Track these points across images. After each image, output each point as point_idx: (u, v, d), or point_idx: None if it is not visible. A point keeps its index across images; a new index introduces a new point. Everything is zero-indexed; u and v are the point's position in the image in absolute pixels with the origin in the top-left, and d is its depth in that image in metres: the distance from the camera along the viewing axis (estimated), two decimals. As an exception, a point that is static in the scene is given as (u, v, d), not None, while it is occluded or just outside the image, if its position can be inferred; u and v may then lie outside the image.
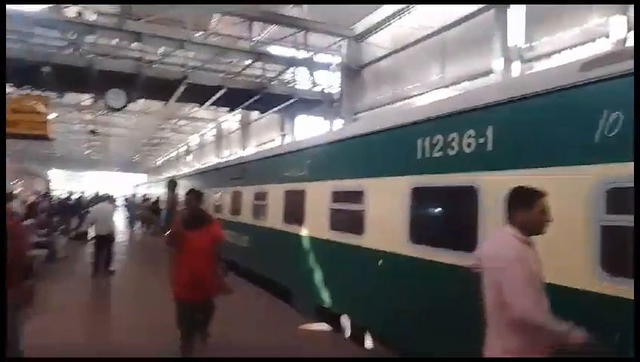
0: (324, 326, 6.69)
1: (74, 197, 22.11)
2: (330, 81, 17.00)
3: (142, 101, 23.62)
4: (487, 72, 10.24)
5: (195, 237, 4.62)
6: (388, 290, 5.48)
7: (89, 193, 24.09)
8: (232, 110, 18.79)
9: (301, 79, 17.32)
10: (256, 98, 15.93)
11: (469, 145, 4.40)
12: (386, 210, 5.57)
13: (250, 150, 23.83)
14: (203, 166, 23.24)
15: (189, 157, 40.67)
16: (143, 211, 23.41)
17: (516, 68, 9.60)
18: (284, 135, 20.20)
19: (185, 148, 42.27)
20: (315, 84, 16.65)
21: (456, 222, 4.75)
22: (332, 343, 6.17)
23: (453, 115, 4.66)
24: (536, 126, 3.81)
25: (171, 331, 4.64)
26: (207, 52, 15.38)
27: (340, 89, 16.46)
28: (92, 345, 5.83)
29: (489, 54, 10.16)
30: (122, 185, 56.83)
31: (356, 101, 15.99)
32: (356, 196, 6.11)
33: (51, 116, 12.03)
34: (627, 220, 2.98)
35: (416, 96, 12.90)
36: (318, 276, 7.08)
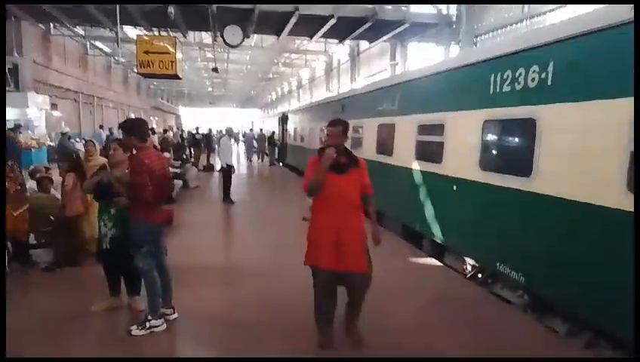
0: (432, 260, 6.73)
1: (202, 132, 24.14)
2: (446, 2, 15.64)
3: (256, 36, 24.37)
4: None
5: (343, 184, 3.72)
6: (461, 212, 6.23)
7: (213, 128, 26.16)
8: (341, 41, 18.44)
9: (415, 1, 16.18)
10: (367, 26, 15.38)
11: (533, 79, 4.80)
12: (462, 141, 6.20)
13: (360, 82, 23.47)
14: (311, 101, 24.21)
15: (301, 91, 41.54)
16: (259, 144, 25.17)
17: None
18: (395, 64, 19.40)
19: (296, 82, 43.13)
20: (432, 6, 15.46)
21: (518, 151, 5.25)
22: (441, 276, 6.19)
23: (519, 52, 5.04)
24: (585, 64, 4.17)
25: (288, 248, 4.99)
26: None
27: (457, 8, 15.08)
28: (217, 256, 6.61)
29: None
30: (241, 120, 60.53)
31: (476, 22, 14.56)
32: (438, 129, 6.76)
33: (179, 55, 12.93)
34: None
35: (548, 12, 11.32)
36: (404, 200, 8.03)
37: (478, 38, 14.41)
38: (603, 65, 3.96)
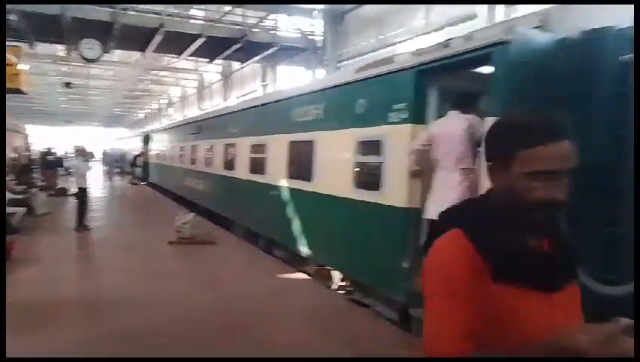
0: (302, 275, 6.94)
1: (56, 152, 21.73)
2: (313, 28, 16.52)
3: (119, 52, 22.84)
4: (472, 17, 10.04)
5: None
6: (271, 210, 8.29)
7: (65, 149, 24.00)
8: (212, 60, 18.27)
9: (283, 26, 16.79)
10: (236, 47, 15.47)
11: (309, 114, 6.99)
12: (278, 157, 8.10)
13: (232, 101, 23.42)
14: (177, 121, 24.71)
15: (171, 110, 39.85)
16: (121, 164, 24.07)
17: (500, 12, 9.43)
18: (265, 85, 19.80)
19: (167, 100, 41.30)
20: (298, 32, 16.18)
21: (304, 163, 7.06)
22: (310, 290, 6.39)
23: (306, 94, 7.29)
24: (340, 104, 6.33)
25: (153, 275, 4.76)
26: (184, -3, 14.73)
27: (322, 36, 16.03)
28: (69, 289, 5.97)
29: (473, -2, 9.92)
30: (103, 140, 55.72)
31: (340, 48, 15.62)
32: (261, 148, 8.85)
33: (23, 67, 11.53)
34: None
35: (400, 42, 12.65)
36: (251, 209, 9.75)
37: (342, 64, 15.46)
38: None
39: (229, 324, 4.80)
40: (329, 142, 6.36)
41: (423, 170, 4.63)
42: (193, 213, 10.21)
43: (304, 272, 7.20)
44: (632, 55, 3.31)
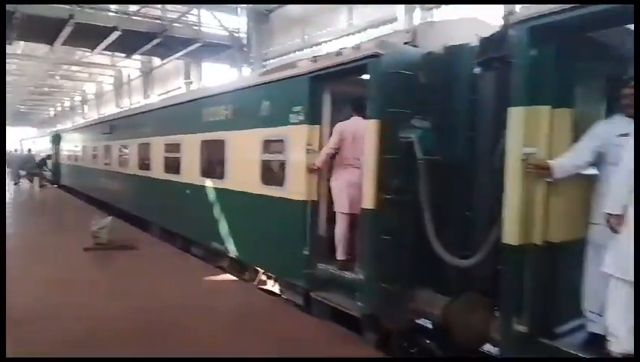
0: (226, 276, 6.81)
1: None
2: (239, 26, 16.25)
3: (24, 44, 20.92)
4: (392, 20, 10.42)
5: None
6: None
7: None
8: (129, 55, 17.33)
9: (207, 22, 16.33)
10: (156, 42, 14.81)
11: (219, 115, 7.06)
12: (192, 156, 8.01)
13: (154, 98, 22.39)
14: (90, 120, 23.91)
15: (86, 108, 37.29)
16: (29, 166, 21.84)
17: (417, 16, 9.87)
18: (190, 82, 19.16)
19: (80, 97, 38.56)
20: (223, 28, 15.82)
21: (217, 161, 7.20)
22: (239, 290, 6.29)
23: (216, 95, 7.38)
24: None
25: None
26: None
27: (247, 32, 15.82)
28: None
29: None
30: (11, 140, 50.71)
31: (265, 47, 15.51)
32: (176, 147, 8.71)
33: None
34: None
35: (324, 42, 12.82)
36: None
37: (268, 62, 15.36)
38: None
39: (149, 332, 4.56)
40: (239, 142, 6.57)
41: (320, 168, 5.06)
42: (110, 217, 9.60)
43: (220, 268, 7.10)
44: (480, 68, 3.95)
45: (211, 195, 7.31)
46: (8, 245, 8.73)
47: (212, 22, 16.18)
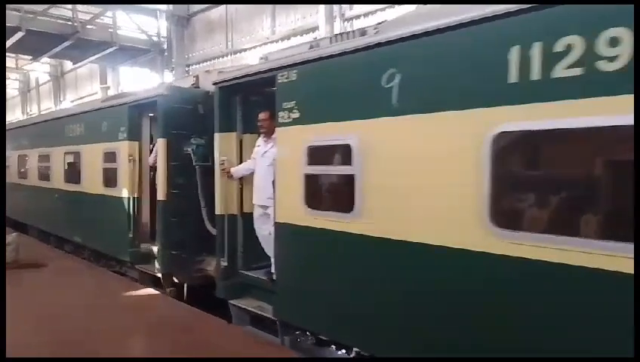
0: (149, 290, 6.55)
1: None
2: (159, 30, 15.67)
3: None
4: (314, 28, 10.65)
5: None
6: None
7: None
8: (35, 58, 16.06)
9: (124, 25, 15.58)
10: (67, 44, 13.87)
11: (76, 131, 8.69)
12: (57, 165, 9.50)
13: (66, 104, 20.91)
14: None
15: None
16: None
17: (337, 25, 10.17)
18: (107, 87, 18.12)
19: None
20: (141, 32, 15.18)
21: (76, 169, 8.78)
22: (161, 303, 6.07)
23: (74, 115, 9.01)
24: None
25: None
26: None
27: (167, 37, 15.31)
28: None
29: (316, 12, 10.55)
30: None
31: (187, 52, 15.11)
32: (47, 158, 9.99)
33: None
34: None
35: (247, 49, 12.77)
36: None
37: (191, 68, 14.97)
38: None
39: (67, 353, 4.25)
40: (88, 153, 8.24)
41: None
42: (15, 233, 8.81)
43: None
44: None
45: (72, 198, 8.90)
46: None
47: (129, 25, 15.48)
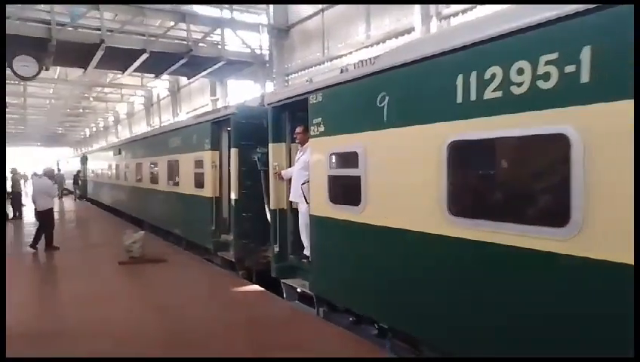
0: (256, 287, 6.96)
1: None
2: (260, 43, 16.65)
3: (59, 68, 22.02)
4: (410, 30, 10.53)
5: None
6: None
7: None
8: (157, 76, 17.98)
9: (230, 41, 16.82)
10: (182, 62, 15.34)
11: (176, 143, 10.79)
12: (162, 170, 11.85)
13: (182, 116, 23.08)
14: (105, 145, 28.54)
15: (120, 127, 38.66)
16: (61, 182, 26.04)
17: (434, 25, 9.93)
18: (216, 99, 19.68)
19: (113, 117, 40.02)
20: (245, 46, 16.26)
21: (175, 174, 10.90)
22: (268, 302, 6.43)
23: (173, 130, 11.28)
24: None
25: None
26: (125, 12, 14.48)
27: (269, 49, 16.19)
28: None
29: (411, 13, 10.42)
30: (47, 160, 52.99)
31: (286, 62, 15.84)
32: (156, 164, 12.42)
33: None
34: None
35: (344, 55, 13.01)
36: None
37: (290, 77, 15.68)
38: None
39: (177, 343, 4.75)
40: (184, 160, 10.03)
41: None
42: (143, 231, 9.98)
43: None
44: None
45: (173, 197, 10.84)
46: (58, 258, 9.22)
47: (235, 40, 16.65)
